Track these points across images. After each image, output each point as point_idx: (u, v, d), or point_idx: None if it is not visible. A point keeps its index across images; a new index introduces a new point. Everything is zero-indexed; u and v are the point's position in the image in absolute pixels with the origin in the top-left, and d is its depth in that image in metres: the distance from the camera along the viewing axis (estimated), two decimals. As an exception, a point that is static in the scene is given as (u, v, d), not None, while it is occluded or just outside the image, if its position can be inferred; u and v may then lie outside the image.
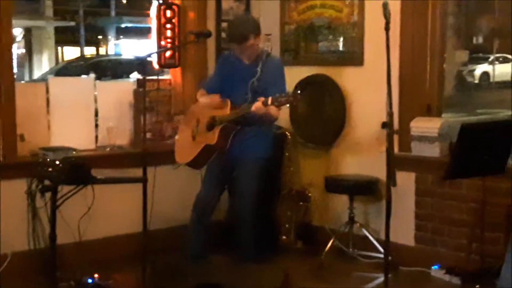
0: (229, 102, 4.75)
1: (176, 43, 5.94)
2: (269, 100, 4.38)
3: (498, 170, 4.28)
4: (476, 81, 19.26)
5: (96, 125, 5.63)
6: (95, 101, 5.66)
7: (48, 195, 3.90)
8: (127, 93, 5.72)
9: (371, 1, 5.33)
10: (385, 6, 3.75)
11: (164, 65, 6.01)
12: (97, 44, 28.91)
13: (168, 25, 5.92)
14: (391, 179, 3.72)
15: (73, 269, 4.47)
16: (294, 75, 5.42)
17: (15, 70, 5.43)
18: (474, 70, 19.32)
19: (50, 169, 3.88)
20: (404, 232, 5.14)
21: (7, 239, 4.74)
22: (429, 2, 5.22)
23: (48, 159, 4.01)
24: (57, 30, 26.94)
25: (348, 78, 5.63)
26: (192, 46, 5.89)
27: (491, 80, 19.27)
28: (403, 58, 5.17)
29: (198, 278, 4.60)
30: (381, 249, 4.99)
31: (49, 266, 3.99)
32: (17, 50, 24.94)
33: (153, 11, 5.94)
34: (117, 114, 5.64)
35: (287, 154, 5.83)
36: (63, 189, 3.91)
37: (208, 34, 4.96)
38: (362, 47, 5.50)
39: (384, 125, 3.76)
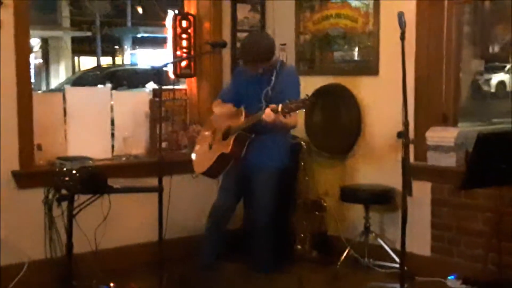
0: (243, 111, 4.77)
1: (192, 53, 5.97)
2: (279, 107, 4.38)
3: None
4: (492, 90, 19.14)
5: (112, 135, 5.66)
6: (111, 110, 5.68)
7: (64, 204, 3.92)
8: (143, 102, 5.75)
9: (387, 11, 5.33)
10: (400, 16, 3.76)
11: (180, 75, 6.05)
12: (113, 54, 29.06)
13: (184, 35, 5.96)
14: (407, 188, 3.72)
15: (89, 278, 4.49)
16: (309, 85, 5.43)
17: (32, 80, 5.46)
18: (490, 79, 19.21)
19: (67, 179, 3.91)
20: (420, 242, 5.12)
21: (24, 247, 4.78)
22: (444, 12, 5.21)
23: (65, 169, 4.03)
24: (74, 40, 27.12)
25: (363, 88, 5.62)
26: (208, 56, 5.91)
27: (508, 89, 19.15)
28: (419, 68, 5.17)
29: (213, 286, 4.60)
30: (397, 259, 4.97)
31: (66, 275, 4.01)
32: (34, 60, 25.11)
33: (169, 21, 5.98)
34: (133, 123, 5.67)
35: (302, 163, 5.82)
36: (80, 198, 3.94)
37: (224, 44, 4.98)
38: (377, 57, 5.50)
39: (399, 134, 3.77)
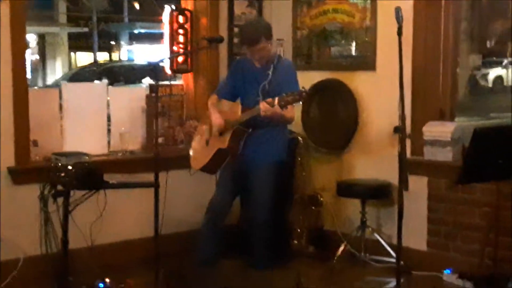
0: (239, 106, 4.77)
1: (189, 48, 5.96)
2: (275, 100, 4.37)
3: (512, 174, 4.26)
4: (490, 85, 19.15)
5: (109, 130, 5.65)
6: (108, 106, 5.68)
7: (60, 200, 3.91)
8: (139, 98, 5.74)
9: (384, 6, 5.32)
10: (397, 11, 3.75)
11: (177, 70, 6.04)
12: (110, 50, 29.05)
13: (181, 31, 5.95)
14: (403, 183, 3.72)
15: (85, 273, 4.48)
16: (306, 80, 5.39)
17: (28, 76, 5.45)
18: (487, 74, 19.23)
19: (62, 174, 3.89)
20: (416, 236, 5.12)
21: (19, 243, 4.78)
22: (442, 7, 5.21)
23: (61, 164, 4.02)
24: (71, 36, 27.12)
25: (360, 83, 5.62)
26: (205, 52, 5.91)
27: (505, 84, 19.16)
28: (416, 63, 5.16)
29: (210, 282, 4.60)
30: (393, 254, 4.98)
31: (61, 271, 4.00)
32: (31, 56, 25.08)
33: (165, 16, 5.97)
34: (129, 119, 5.66)
35: (299, 158, 5.83)
36: (76, 194, 3.93)
37: (220, 40, 4.97)
38: (375, 52, 5.50)
39: (396, 129, 3.76)
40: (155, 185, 4.15)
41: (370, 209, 5.41)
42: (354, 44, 5.70)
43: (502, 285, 4.28)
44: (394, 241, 4.07)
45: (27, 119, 5.03)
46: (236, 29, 6.08)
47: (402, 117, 3.74)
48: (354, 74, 5.66)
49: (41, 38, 26.51)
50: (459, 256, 5.00)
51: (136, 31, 28.10)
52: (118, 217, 5.18)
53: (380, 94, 5.40)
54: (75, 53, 28.33)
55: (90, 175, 3.91)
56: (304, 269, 5.15)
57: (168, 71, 5.94)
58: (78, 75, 17.19)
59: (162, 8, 6.18)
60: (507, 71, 19.32)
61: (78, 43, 27.65)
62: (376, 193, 5.35)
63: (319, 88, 5.72)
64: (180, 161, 5.18)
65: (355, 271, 5.26)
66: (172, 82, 6.02)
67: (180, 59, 5.98)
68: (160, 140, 5.06)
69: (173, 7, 5.99)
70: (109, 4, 27.09)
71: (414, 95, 5.17)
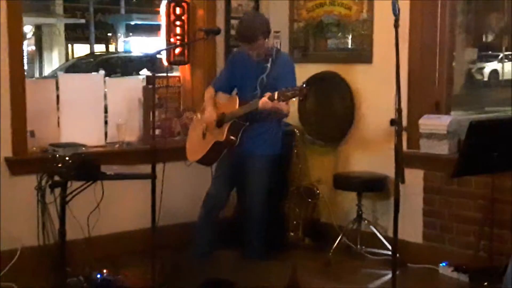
0: (237, 99, 4.77)
1: (186, 40, 5.95)
2: (275, 95, 4.38)
3: (507, 167, 4.28)
4: (485, 79, 19.17)
5: (106, 122, 5.65)
6: (105, 98, 5.68)
7: (57, 191, 3.91)
8: (136, 90, 5.74)
9: (380, -2, 5.33)
10: (394, 4, 3.75)
11: (173, 62, 6.04)
12: (107, 41, 28.96)
13: (178, 22, 5.94)
14: (399, 176, 3.73)
15: (82, 264, 4.50)
16: (303, 72, 5.41)
17: (25, 67, 5.45)
18: (483, 68, 19.24)
19: (59, 165, 3.90)
20: (412, 229, 5.15)
21: (16, 234, 4.78)
22: (438, 0, 5.21)
23: (58, 155, 4.02)
24: (67, 27, 27.01)
25: (357, 76, 5.63)
26: (201, 43, 5.90)
27: (501, 78, 19.18)
28: (412, 56, 5.18)
29: (206, 274, 4.61)
30: (389, 246, 5.00)
31: (59, 262, 4.00)
32: (28, 47, 25.02)
33: (162, 8, 5.96)
34: (126, 110, 5.66)
35: (295, 151, 5.84)
36: (73, 185, 3.93)
37: (217, 31, 4.97)
38: (371, 45, 5.51)
39: (392, 122, 3.77)
40: (152, 177, 4.16)
41: (366, 202, 5.42)
42: (350, 36, 5.71)
43: (497, 277, 4.30)
44: (390, 233, 4.10)
45: (24, 110, 5.02)
46: (233, 21, 6.07)
47: (398, 110, 3.75)
48: (351, 67, 5.67)
49: (38, 29, 26.41)
50: (455, 248, 5.02)
51: (133, 23, 28.00)
52: (115, 208, 5.19)
53: (376, 87, 5.41)
54: (72, 44, 28.22)
55: (87, 166, 3.91)
56: (300, 261, 5.17)
57: (165, 62, 5.93)
58: (75, 66, 17.14)
59: (159, 0, 6.17)
60: (503, 65, 19.35)
61: (75, 34, 27.55)
62: (372, 186, 5.37)
63: (316, 80, 5.72)
64: (177, 153, 5.18)
65: (351, 263, 5.28)
66: (169, 74, 6.01)
67: (177, 50, 5.97)
68: (157, 131, 5.06)
69: (170, -2, 5.99)
70: (106, -5, 27.04)
71: (410, 88, 5.18)
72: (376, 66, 5.46)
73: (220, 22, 6.03)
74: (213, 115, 4.80)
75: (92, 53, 23.25)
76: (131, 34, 28.21)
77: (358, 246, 5.41)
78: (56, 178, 3.93)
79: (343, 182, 5.48)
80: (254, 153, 4.81)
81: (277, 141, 4.95)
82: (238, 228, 5.10)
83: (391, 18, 3.73)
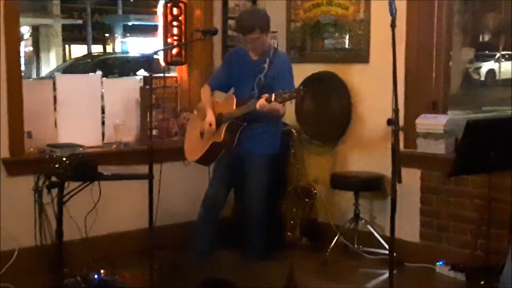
0: (234, 99, 4.77)
1: (183, 40, 5.96)
2: (273, 97, 4.39)
3: (504, 166, 4.29)
4: (482, 79, 19.22)
5: (103, 122, 5.65)
6: (102, 98, 5.68)
7: (54, 191, 3.91)
8: (133, 90, 5.74)
9: (377, -2, 5.34)
10: (391, 4, 3.75)
11: (171, 62, 6.04)
12: (104, 42, 28.95)
13: (175, 23, 5.94)
14: (396, 175, 3.73)
15: (79, 265, 4.50)
16: (300, 72, 5.43)
17: (22, 67, 5.44)
18: (480, 67, 19.29)
19: (57, 166, 3.89)
20: (409, 228, 5.15)
21: (14, 235, 4.78)
22: (435, 0, 5.22)
23: (55, 156, 4.04)
24: (65, 28, 26.99)
25: (354, 75, 5.63)
26: (199, 44, 5.90)
27: (497, 77, 19.23)
28: (409, 56, 5.18)
29: (205, 273, 4.61)
30: (386, 246, 5.01)
31: (56, 262, 4.00)
32: (25, 48, 24.98)
33: (159, 9, 5.96)
34: (123, 111, 5.66)
35: (293, 150, 5.85)
36: (70, 186, 3.93)
37: (215, 32, 4.97)
38: (368, 45, 5.51)
39: (389, 122, 3.77)
40: (150, 177, 4.16)
41: (363, 201, 5.43)
42: (347, 36, 5.71)
43: (494, 276, 4.31)
44: (387, 233, 4.09)
45: (21, 110, 5.02)
46: (230, 22, 6.07)
47: (395, 110, 3.75)
48: (348, 67, 5.68)
49: (35, 29, 26.39)
50: (452, 247, 5.03)
51: (130, 23, 27.99)
52: (113, 208, 5.19)
53: (373, 87, 5.42)
54: (69, 45, 28.21)
55: (85, 166, 3.91)
56: (298, 260, 5.17)
57: (162, 63, 5.93)
58: (72, 67, 17.13)
59: (157, 0, 6.18)
60: (500, 65, 19.39)
61: (72, 34, 27.52)
62: (369, 186, 5.38)
63: (313, 80, 5.73)
64: (174, 153, 5.19)
65: (348, 262, 5.28)
66: (166, 74, 6.01)
67: (174, 51, 5.98)
68: (154, 132, 5.06)
69: (168, -1, 5.99)
70: (103, -5, 27.02)
71: (407, 88, 5.19)
72: (373, 66, 5.47)
73: (217, 23, 6.04)
74: (212, 119, 4.79)
75: (89, 53, 23.23)
76: (128, 34, 28.20)
77: (355, 246, 5.42)
78: (54, 178, 3.92)
79: (340, 181, 5.49)
80: (253, 152, 4.81)
81: (276, 140, 4.96)
82: (237, 228, 5.10)
83: (388, 18, 3.73)
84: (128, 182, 4.67)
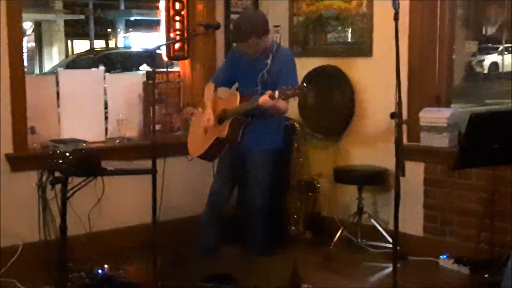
0: (238, 95, 4.76)
1: (185, 35, 5.95)
2: (276, 94, 4.38)
3: (508, 159, 4.28)
4: (485, 72, 19.18)
5: (106, 117, 5.66)
6: (105, 93, 5.68)
7: (58, 187, 3.92)
8: (136, 85, 5.75)
9: (380, -9, 5.33)
10: (393, -3, 3.74)
11: (173, 57, 6.04)
12: (106, 37, 28.94)
13: (177, 17, 5.94)
14: (400, 169, 3.72)
15: (83, 260, 4.50)
16: (303, 67, 5.42)
17: (25, 63, 5.45)
18: (483, 60, 19.25)
19: (60, 161, 3.90)
20: (412, 222, 5.15)
21: (18, 230, 4.79)
22: (437, -7, 5.21)
23: (59, 151, 4.03)
24: (67, 23, 26.99)
25: (357, 69, 5.63)
26: (201, 38, 5.90)
27: (500, 70, 19.18)
28: (412, 49, 5.17)
29: (208, 269, 4.62)
30: (390, 239, 5.01)
31: (60, 257, 4.01)
32: (27, 43, 24.98)
33: (162, 3, 5.96)
34: (126, 106, 5.67)
35: (296, 145, 5.84)
36: (73, 181, 3.94)
37: (217, 26, 4.96)
38: (371, 38, 5.50)
39: (393, 115, 3.77)
40: (153, 172, 4.16)
41: (366, 195, 5.43)
42: (350, 30, 5.70)
43: (497, 269, 4.31)
44: (391, 226, 4.10)
45: (25, 106, 5.03)
46: (232, 16, 6.06)
47: (399, 103, 3.75)
48: (351, 60, 5.67)
49: (38, 25, 26.40)
50: (455, 241, 5.03)
51: (132, 18, 27.97)
52: (116, 204, 5.19)
53: (376, 80, 5.41)
54: (71, 40, 28.22)
55: (88, 162, 3.91)
56: (301, 255, 5.18)
57: (164, 58, 5.93)
58: (75, 63, 17.11)
59: (159, -5, 6.17)
60: (503, 58, 19.35)
61: (74, 30, 27.53)
62: (373, 179, 5.37)
63: (316, 74, 5.72)
64: (177, 148, 5.19)
65: (352, 256, 5.28)
66: (169, 69, 6.01)
67: (177, 46, 5.98)
68: (157, 127, 5.06)
69: (170, -7, 5.98)
70: (105, -10, 27.01)
71: (411, 81, 5.18)
72: (376, 59, 5.46)
73: (219, 17, 6.03)
74: (211, 119, 4.79)
75: (92, 49, 23.23)
76: (130, 29, 28.18)
77: (359, 240, 5.42)
78: (57, 174, 3.93)
79: (343, 175, 5.49)
80: (256, 148, 4.81)
81: (278, 135, 4.95)
82: (240, 223, 5.10)
83: (391, 11, 3.72)
84: (131, 177, 4.68)
